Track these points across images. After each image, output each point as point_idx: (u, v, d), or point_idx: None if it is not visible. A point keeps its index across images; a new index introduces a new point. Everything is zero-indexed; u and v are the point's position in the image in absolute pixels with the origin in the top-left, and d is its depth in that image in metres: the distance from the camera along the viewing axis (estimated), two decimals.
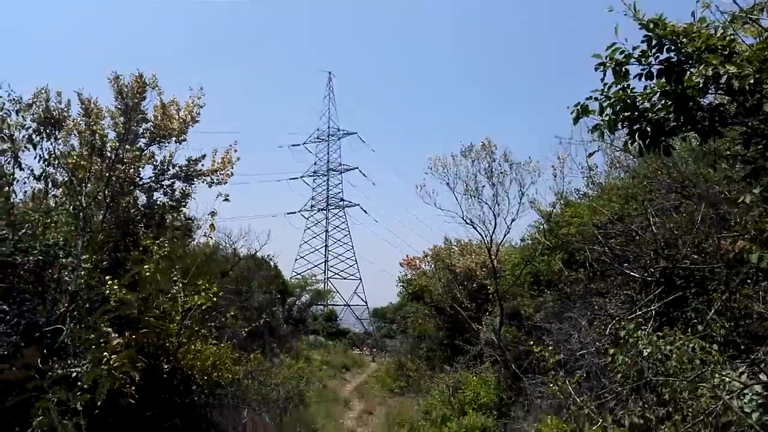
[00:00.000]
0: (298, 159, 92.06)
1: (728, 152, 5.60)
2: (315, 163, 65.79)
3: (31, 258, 6.59)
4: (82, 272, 6.60)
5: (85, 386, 5.54)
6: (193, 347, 8.41)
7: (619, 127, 4.11)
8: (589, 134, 4.37)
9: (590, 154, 11.56)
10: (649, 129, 4.01)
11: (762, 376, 5.59)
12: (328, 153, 65.06)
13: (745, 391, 5.31)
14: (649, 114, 3.94)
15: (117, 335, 6.05)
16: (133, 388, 5.95)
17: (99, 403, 5.54)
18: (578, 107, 4.20)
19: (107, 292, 6.25)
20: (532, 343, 8.44)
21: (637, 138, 4.09)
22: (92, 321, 6.14)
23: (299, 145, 66.22)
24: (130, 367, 5.77)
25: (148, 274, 6.83)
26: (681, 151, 9.05)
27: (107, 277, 6.42)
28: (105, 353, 5.73)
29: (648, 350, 5.83)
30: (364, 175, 65.69)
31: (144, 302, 6.92)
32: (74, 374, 5.69)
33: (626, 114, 3.99)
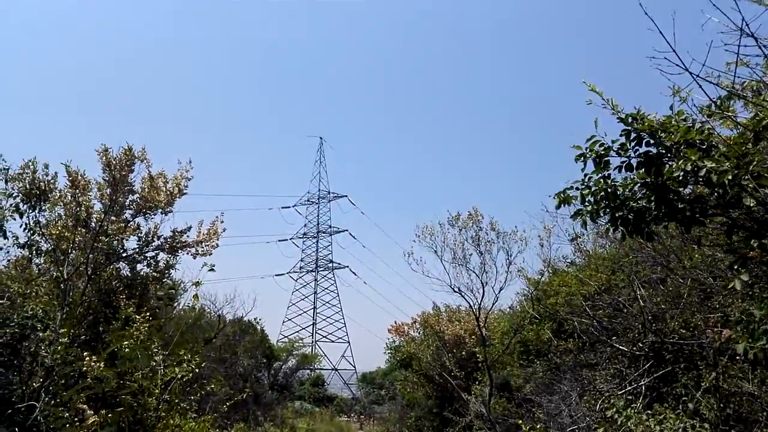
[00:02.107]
0: (288, 221, 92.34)
1: (711, 239, 5.66)
2: (305, 225, 66.03)
3: (7, 330, 6.45)
4: (60, 347, 6.45)
5: None
6: (171, 422, 8.14)
7: (601, 214, 4.16)
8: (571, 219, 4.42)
9: (573, 239, 11.68)
10: (630, 217, 4.05)
11: None
12: (318, 215, 65.43)
13: None
14: (631, 203, 4.00)
15: (93, 413, 5.87)
16: None
17: None
18: (561, 196, 4.26)
19: (84, 368, 6.08)
20: (521, 422, 8.25)
21: (619, 225, 4.13)
22: (67, 398, 5.96)
23: (290, 207, 66.64)
24: None
25: (127, 350, 6.68)
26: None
27: (85, 353, 6.26)
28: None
29: (635, 429, 5.73)
30: (353, 237, 65.80)
31: (122, 378, 6.73)
32: None
33: (608, 203, 4.04)
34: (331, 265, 63.96)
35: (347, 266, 62.89)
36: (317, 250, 64.67)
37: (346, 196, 65.49)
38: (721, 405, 6.78)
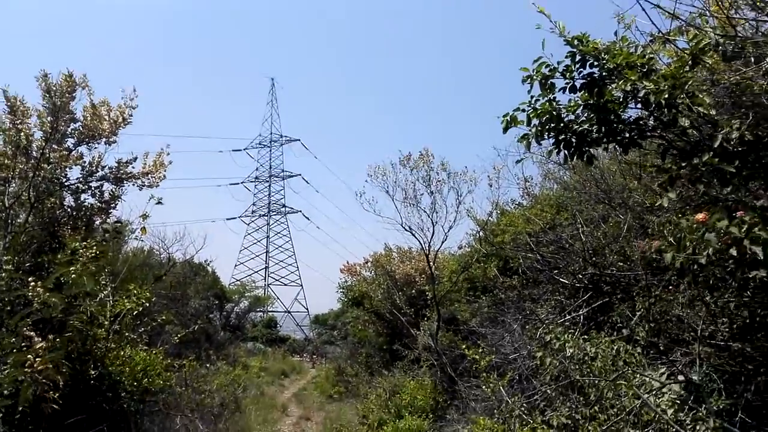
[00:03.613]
0: (239, 164, 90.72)
1: (647, 164, 5.90)
2: (257, 169, 65.01)
3: None
4: (4, 274, 6.31)
5: (6, 392, 5.32)
6: (122, 353, 8.15)
7: (545, 137, 4.30)
8: (518, 144, 4.54)
9: (518, 161, 11.92)
10: (573, 140, 4.21)
11: (680, 377, 5.91)
12: (270, 159, 64.41)
13: (663, 390, 5.61)
14: (574, 125, 4.14)
15: (40, 339, 5.82)
16: (57, 394, 5.73)
17: (20, 409, 5.32)
18: (507, 117, 4.36)
19: (30, 294, 6.00)
20: (465, 347, 8.61)
21: (561, 148, 4.29)
22: (14, 324, 5.89)
23: (241, 150, 65.33)
24: (54, 371, 5.57)
25: (74, 276, 6.60)
26: (609, 164, 9.47)
27: (30, 279, 6.15)
28: (28, 357, 5.51)
29: (572, 351, 6.08)
30: (306, 181, 65.36)
31: (69, 305, 6.67)
32: None
33: (552, 125, 4.18)
34: (283, 209, 63.60)
35: (300, 211, 62.71)
36: (269, 194, 64.06)
37: (299, 139, 64.60)
38: (652, 328, 7.23)
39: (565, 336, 7.28)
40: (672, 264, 3.61)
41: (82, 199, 9.58)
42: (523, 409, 7.57)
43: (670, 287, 7.43)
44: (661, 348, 6.82)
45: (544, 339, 7.70)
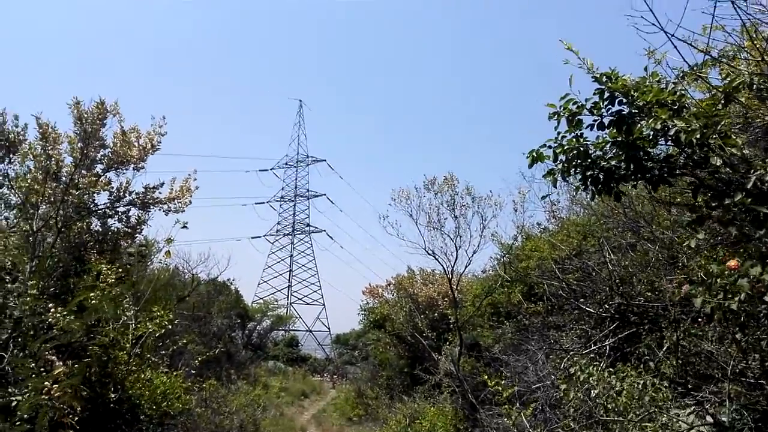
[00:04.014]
0: (266, 184, 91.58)
1: (678, 200, 5.76)
2: (282, 189, 65.62)
3: None
4: (28, 298, 6.38)
5: (25, 416, 5.33)
6: (142, 376, 8.16)
7: (572, 173, 4.20)
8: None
9: (543, 198, 11.78)
10: (601, 176, 4.10)
11: (708, 418, 5.70)
12: (296, 179, 64.96)
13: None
14: (601, 162, 4.04)
15: (61, 363, 5.85)
16: (76, 418, 5.73)
17: None
18: (533, 153, 4.28)
19: (51, 319, 6.04)
20: (486, 377, 8.44)
21: (589, 184, 4.18)
22: (35, 348, 5.92)
23: (267, 170, 66.10)
24: (72, 397, 5.57)
25: (94, 301, 6.63)
26: (638, 191, 9.29)
27: (50, 305, 6.20)
28: (46, 382, 5.53)
29: (597, 390, 5.91)
30: (331, 201, 65.66)
31: (90, 330, 6.70)
32: (14, 403, 5.46)
33: (579, 161, 4.08)
34: (307, 228, 63.87)
35: (324, 230, 62.95)
36: (294, 213, 64.47)
37: (325, 160, 65.11)
38: (681, 363, 7.01)
39: (590, 369, 7.09)
40: (701, 309, 3.49)
41: (108, 223, 9.73)
42: None
43: (699, 321, 7.22)
44: (689, 386, 6.60)
45: (569, 370, 7.52)
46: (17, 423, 5.10)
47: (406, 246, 14.66)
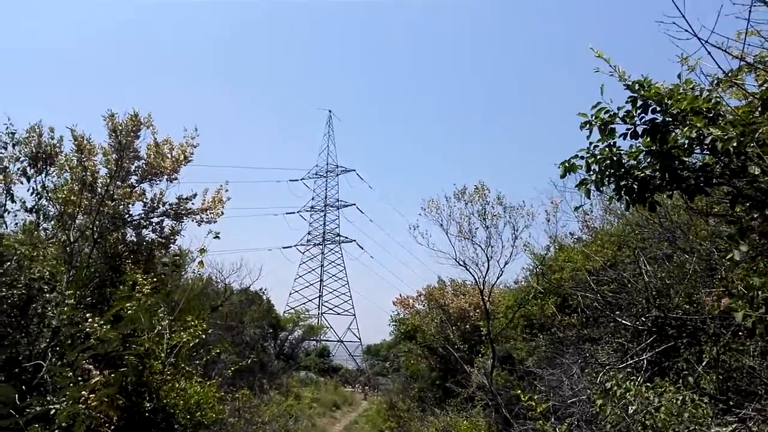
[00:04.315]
0: (296, 194, 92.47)
1: (715, 210, 5.61)
2: (312, 199, 66.21)
3: (15, 292, 6.53)
4: (66, 308, 6.53)
5: (63, 424, 5.43)
6: (177, 385, 8.26)
7: (605, 183, 4.12)
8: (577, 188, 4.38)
9: (576, 208, 11.58)
10: (635, 186, 4.02)
11: None
12: (326, 189, 65.50)
13: None
14: (635, 171, 3.96)
15: (98, 372, 5.96)
16: (112, 427, 5.83)
17: None
18: (565, 164, 4.22)
19: (88, 329, 6.17)
20: (519, 391, 8.31)
21: (623, 194, 4.10)
22: (73, 357, 6.05)
23: (297, 180, 66.78)
24: (108, 406, 5.67)
25: (130, 312, 6.76)
26: (673, 200, 9.09)
27: (88, 314, 6.34)
28: (83, 391, 5.63)
29: (634, 406, 5.76)
30: (361, 211, 65.95)
31: (126, 340, 6.82)
32: (52, 411, 5.58)
33: (612, 171, 4.01)
34: (338, 238, 64.23)
35: (354, 240, 63.26)
36: (324, 223, 64.95)
37: (354, 170, 65.56)
38: (721, 378, 6.80)
39: (627, 383, 6.93)
40: (743, 324, 3.37)
41: (143, 234, 9.94)
42: None
43: (740, 335, 7.00)
44: (731, 402, 6.39)
45: (605, 385, 7.37)
46: (55, 431, 5.21)
47: (436, 256, 14.58)
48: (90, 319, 6.17)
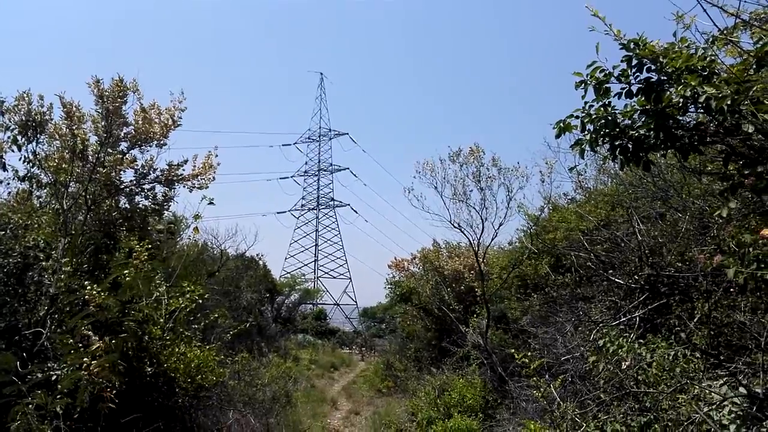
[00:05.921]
0: (289, 159, 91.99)
1: (709, 168, 5.63)
2: (306, 163, 65.93)
3: (10, 261, 6.54)
4: (63, 275, 6.55)
5: (65, 390, 5.50)
6: (176, 350, 8.36)
7: (600, 143, 4.13)
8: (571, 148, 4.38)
9: (571, 169, 11.57)
10: (630, 145, 4.03)
11: (741, 389, 5.63)
12: (319, 153, 65.12)
13: (724, 403, 5.35)
14: (630, 131, 3.96)
15: (98, 339, 6.00)
16: (114, 392, 5.91)
17: (79, 408, 5.51)
18: (560, 124, 4.21)
19: (86, 296, 6.21)
20: (513, 350, 8.45)
21: (617, 154, 4.11)
22: (72, 324, 6.09)
23: (290, 144, 66.34)
24: (110, 372, 5.73)
25: (128, 278, 6.79)
26: (667, 159, 9.10)
27: (86, 282, 6.37)
28: (85, 358, 5.69)
29: (627, 362, 5.87)
30: (354, 175, 65.81)
31: (124, 306, 6.87)
32: (54, 378, 5.64)
33: (607, 131, 4.00)
34: (332, 203, 64.24)
35: (348, 204, 63.31)
36: (318, 188, 64.83)
37: (347, 133, 65.12)
38: (712, 334, 6.93)
39: (620, 340, 7.05)
40: (734, 279, 3.42)
41: (136, 201, 9.90)
42: (575, 413, 7.37)
43: (731, 291, 7.11)
44: (722, 357, 6.52)
45: (598, 342, 7.49)
46: (59, 397, 5.27)
47: (431, 219, 14.64)
48: (89, 287, 6.20)
